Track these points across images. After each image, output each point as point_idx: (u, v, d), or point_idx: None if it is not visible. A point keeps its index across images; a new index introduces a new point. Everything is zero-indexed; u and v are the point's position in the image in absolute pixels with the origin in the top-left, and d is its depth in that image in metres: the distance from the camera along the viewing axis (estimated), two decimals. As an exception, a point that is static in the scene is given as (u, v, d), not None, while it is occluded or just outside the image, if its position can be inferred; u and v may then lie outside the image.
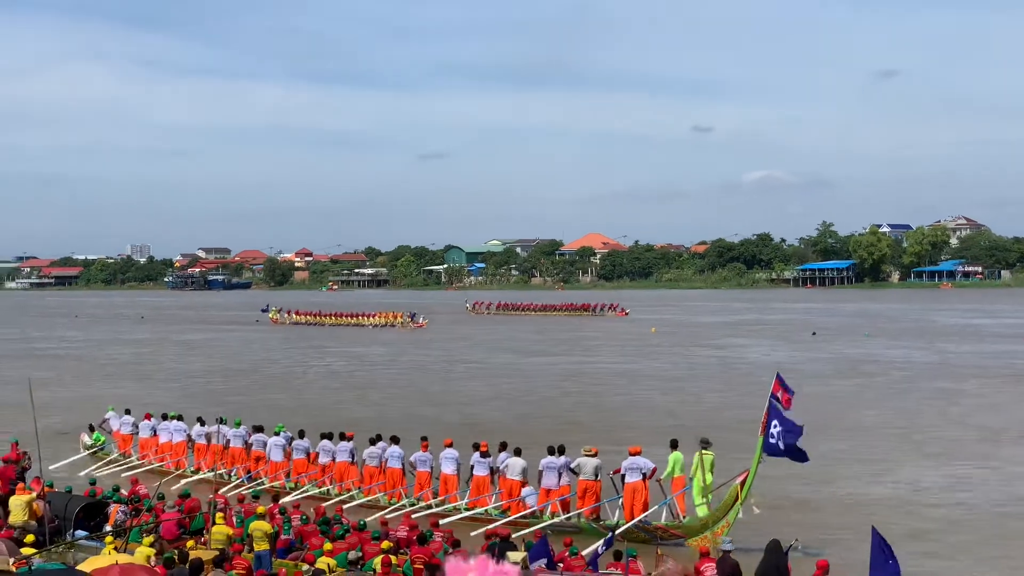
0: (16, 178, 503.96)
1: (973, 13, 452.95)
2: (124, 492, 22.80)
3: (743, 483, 20.21)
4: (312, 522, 20.11)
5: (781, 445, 19.91)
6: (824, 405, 39.78)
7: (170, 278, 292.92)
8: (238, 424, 27.94)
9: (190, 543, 18.41)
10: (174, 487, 24.79)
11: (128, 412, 31.10)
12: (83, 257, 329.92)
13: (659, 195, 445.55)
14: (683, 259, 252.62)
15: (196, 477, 26.99)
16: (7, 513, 21.12)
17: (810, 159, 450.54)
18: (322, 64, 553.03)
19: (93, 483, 23.66)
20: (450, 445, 24.42)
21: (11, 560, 17.18)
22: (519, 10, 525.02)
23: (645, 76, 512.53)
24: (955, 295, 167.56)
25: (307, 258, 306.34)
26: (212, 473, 26.09)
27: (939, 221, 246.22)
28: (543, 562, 17.16)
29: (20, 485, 22.16)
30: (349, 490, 25.01)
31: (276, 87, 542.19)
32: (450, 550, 17.95)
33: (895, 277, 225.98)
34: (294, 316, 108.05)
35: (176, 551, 17.38)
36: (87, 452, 30.70)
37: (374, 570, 16.95)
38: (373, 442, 25.38)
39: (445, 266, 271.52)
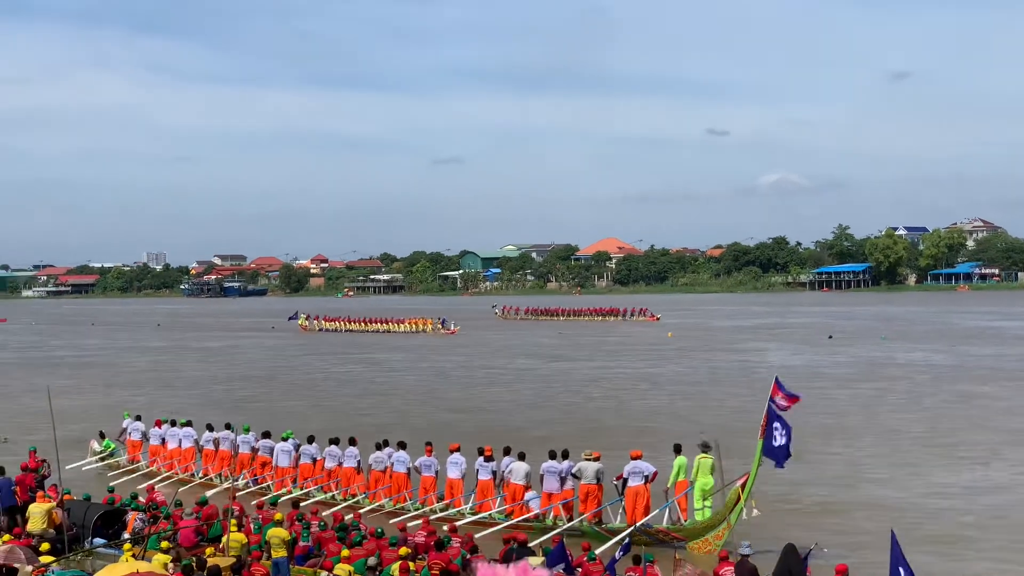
0: (30, 185, 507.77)
1: (986, 13, 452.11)
2: (142, 499, 22.85)
3: (743, 486, 20.19)
4: (330, 528, 20.09)
5: (776, 445, 19.94)
6: (848, 408, 39.64)
7: (186, 285, 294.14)
8: (247, 430, 28.03)
9: (208, 550, 18.41)
10: (208, 493, 24.84)
11: (139, 418, 31.21)
12: (99, 265, 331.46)
13: (674, 199, 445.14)
14: (699, 263, 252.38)
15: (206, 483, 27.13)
16: (26, 521, 21.17)
17: (825, 162, 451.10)
18: (331, 69, 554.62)
19: (111, 490, 23.72)
20: (456, 450, 24.45)
21: (30, 568, 17.22)
22: (530, 13, 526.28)
23: (658, 79, 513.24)
24: (972, 297, 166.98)
25: (323, 264, 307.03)
26: (221, 479, 26.13)
27: (955, 223, 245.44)
28: (561, 567, 17.13)
29: (40, 493, 22.21)
30: (355, 495, 25.10)
31: (285, 92, 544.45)
32: (467, 555, 17.94)
33: (912, 280, 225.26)
34: (323, 323, 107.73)
35: (194, 558, 17.37)
36: (95, 458, 30.83)
37: (392, 576, 16.91)
38: (379, 447, 25.46)
39: (461, 271, 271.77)
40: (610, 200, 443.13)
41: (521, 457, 23.64)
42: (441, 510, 23.59)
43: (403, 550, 17.72)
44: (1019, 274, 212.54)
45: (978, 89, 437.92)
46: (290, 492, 25.70)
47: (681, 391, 47.99)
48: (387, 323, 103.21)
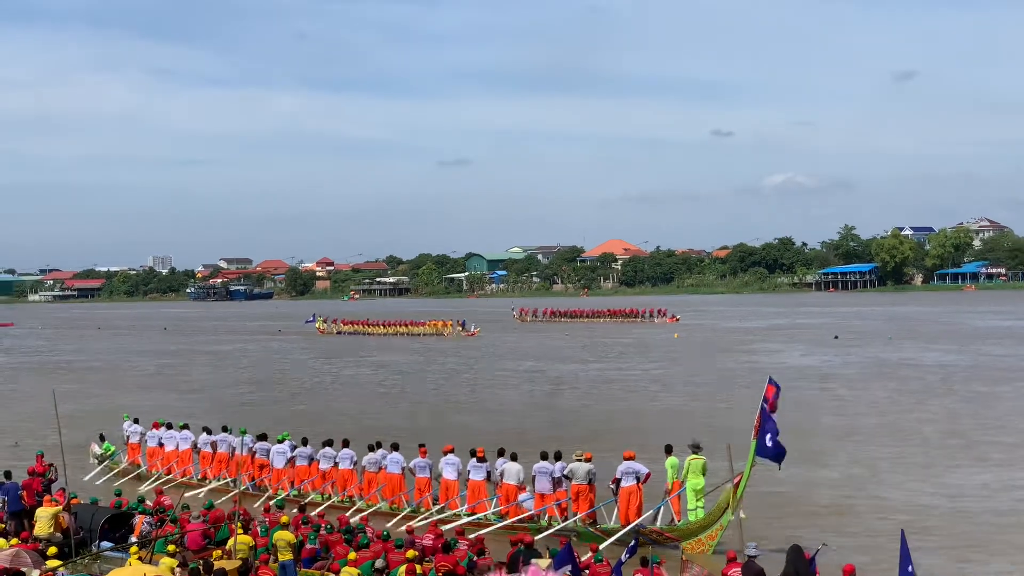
0: (36, 189, 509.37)
1: (991, 12, 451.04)
2: (149, 503, 22.88)
3: (737, 486, 20.17)
4: (336, 531, 20.08)
5: (769, 445, 19.90)
6: (860, 409, 39.50)
7: (192, 289, 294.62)
8: (243, 432, 28.11)
9: (216, 554, 18.42)
10: (220, 500, 24.85)
11: (136, 421, 31.35)
12: (105, 269, 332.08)
13: (679, 200, 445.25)
14: (704, 264, 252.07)
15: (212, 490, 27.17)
16: (33, 525, 21.21)
17: (830, 162, 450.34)
18: (336, 71, 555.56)
19: (118, 494, 23.76)
20: (451, 451, 24.55)
21: (37, 572, 17.23)
22: (534, 15, 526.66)
23: (663, 80, 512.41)
24: (979, 297, 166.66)
25: (328, 267, 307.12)
26: (220, 482, 26.20)
27: (961, 223, 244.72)
28: (568, 569, 17.09)
29: (47, 497, 22.25)
30: (351, 496, 25.24)
31: (291, 95, 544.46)
32: (475, 558, 17.92)
33: (918, 280, 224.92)
34: (341, 325, 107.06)
35: (201, 562, 17.38)
36: (95, 461, 30.92)
37: (399, 579, 16.89)
38: (372, 448, 25.60)
39: (467, 274, 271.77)
40: (615, 202, 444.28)
41: (514, 458, 23.75)
42: (438, 512, 23.63)
43: (410, 553, 17.72)
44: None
45: (984, 88, 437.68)
46: (288, 494, 25.79)
47: (696, 392, 47.93)
48: (407, 325, 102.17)
